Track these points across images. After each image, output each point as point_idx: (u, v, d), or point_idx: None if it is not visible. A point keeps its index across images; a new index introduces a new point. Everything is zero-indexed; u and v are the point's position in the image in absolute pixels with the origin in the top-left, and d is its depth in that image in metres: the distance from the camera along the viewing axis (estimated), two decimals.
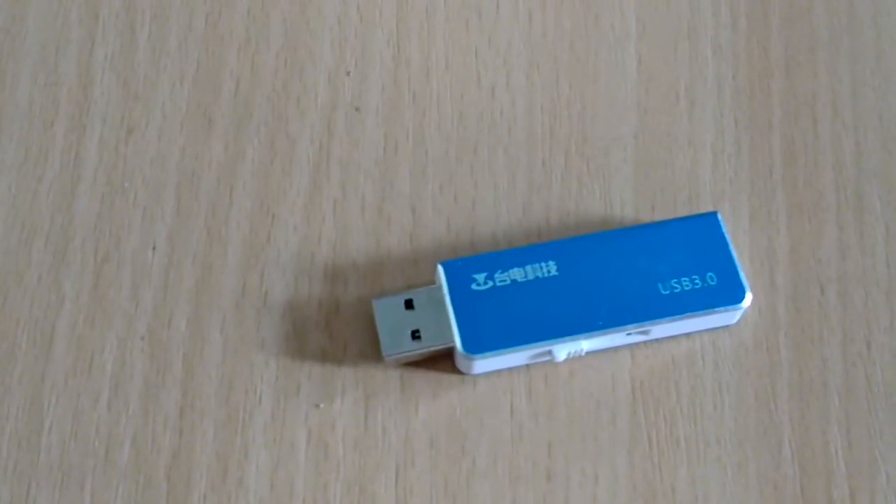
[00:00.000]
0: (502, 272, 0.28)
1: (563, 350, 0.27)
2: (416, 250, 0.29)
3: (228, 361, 0.28)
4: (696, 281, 0.28)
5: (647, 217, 0.30)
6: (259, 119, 0.31)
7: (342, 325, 0.28)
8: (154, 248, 0.29)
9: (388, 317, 0.28)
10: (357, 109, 0.31)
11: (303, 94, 0.31)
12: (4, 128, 0.30)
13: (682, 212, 0.30)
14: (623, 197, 0.30)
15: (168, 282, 0.29)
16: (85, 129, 0.30)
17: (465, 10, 0.32)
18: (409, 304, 0.28)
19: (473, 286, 0.28)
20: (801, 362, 0.28)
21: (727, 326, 0.29)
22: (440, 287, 0.28)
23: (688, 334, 0.28)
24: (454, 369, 0.28)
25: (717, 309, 0.28)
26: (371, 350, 0.28)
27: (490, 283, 0.28)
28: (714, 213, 0.28)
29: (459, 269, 0.28)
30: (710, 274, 0.28)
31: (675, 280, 0.28)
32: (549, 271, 0.28)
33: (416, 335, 0.28)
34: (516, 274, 0.28)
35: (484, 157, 0.31)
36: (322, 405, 0.28)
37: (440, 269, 0.28)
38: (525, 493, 0.27)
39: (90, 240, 0.29)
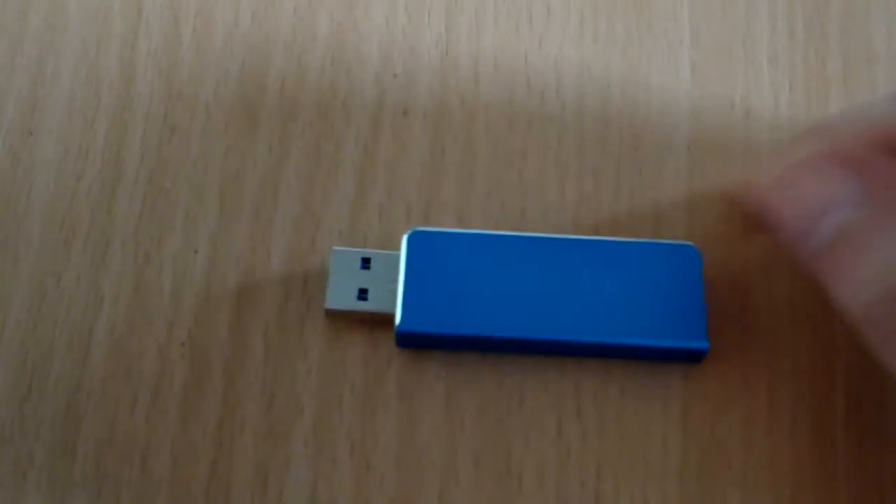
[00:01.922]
0: (464, 255, 0.27)
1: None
2: None
3: (270, 370, 0.27)
4: (660, 310, 0.27)
5: (699, 231, 0.29)
6: (304, 120, 0.30)
7: (387, 336, 0.27)
8: (196, 250, 0.28)
9: (342, 269, 0.27)
10: (404, 113, 0.30)
11: (349, 95, 0.30)
12: (44, 123, 0.29)
13: (737, 224, 0.29)
14: (676, 207, 0.29)
15: (210, 286, 0.28)
16: (127, 126, 0.30)
17: (516, 13, 0.31)
18: (365, 263, 0.27)
19: (431, 262, 0.27)
20: (857, 384, 0.27)
21: (689, 365, 0.28)
22: (400, 255, 0.27)
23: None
24: (500, 385, 0.27)
25: (675, 344, 0.27)
26: (417, 364, 0.27)
27: (449, 263, 0.27)
28: (691, 247, 0.28)
29: (424, 242, 0.27)
30: (675, 307, 0.27)
31: (637, 304, 0.27)
32: (513, 263, 0.27)
33: (362, 295, 0.27)
34: (477, 259, 0.27)
35: (533, 164, 0.30)
36: (364, 417, 0.27)
37: (405, 237, 0.27)
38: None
39: (130, 241, 0.28)
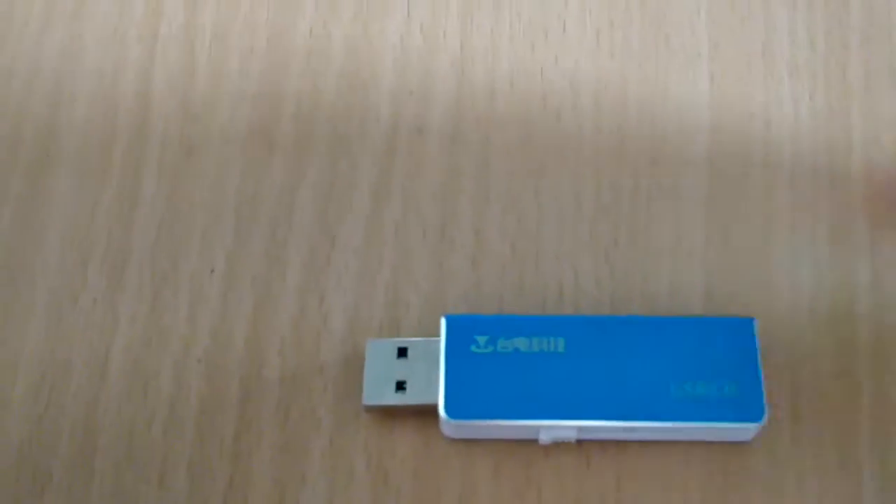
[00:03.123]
0: (506, 339, 0.26)
1: (550, 433, 0.26)
2: (480, 274, 0.28)
3: (287, 386, 0.27)
4: (712, 389, 0.26)
5: (719, 240, 0.29)
6: (320, 141, 0.30)
7: None
8: (213, 270, 0.28)
9: (378, 361, 0.26)
10: (419, 131, 0.30)
11: (364, 115, 0.30)
12: (62, 148, 0.30)
13: (757, 238, 0.29)
14: (695, 220, 0.29)
15: (226, 304, 0.28)
16: (143, 150, 0.30)
17: (531, 30, 0.32)
18: (402, 352, 0.27)
19: (473, 347, 0.26)
20: (881, 391, 0.27)
21: (741, 443, 0.26)
22: (439, 341, 0.26)
23: (701, 442, 0.26)
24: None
25: (727, 423, 0.25)
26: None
27: (491, 348, 0.26)
28: (750, 321, 0.26)
29: (463, 327, 0.26)
30: (729, 384, 0.26)
31: (689, 383, 0.26)
32: (555, 347, 0.26)
33: (401, 386, 0.26)
34: (521, 343, 0.26)
35: (549, 180, 0.30)
36: (382, 431, 0.27)
37: (443, 322, 0.26)
38: None
39: (147, 262, 0.28)
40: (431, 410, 0.26)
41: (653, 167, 0.30)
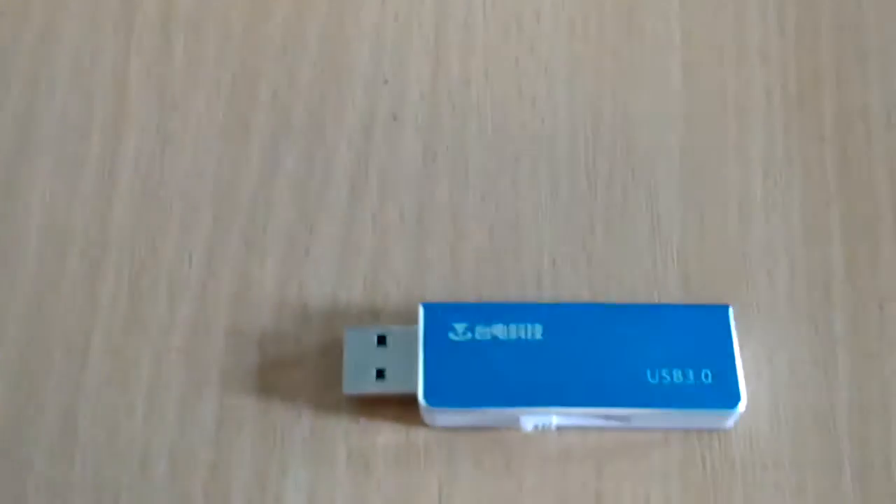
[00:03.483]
0: (484, 326, 0.26)
1: (530, 420, 0.26)
2: (458, 262, 0.29)
3: (267, 375, 0.27)
4: (689, 376, 0.26)
5: (695, 228, 0.29)
6: (296, 129, 0.30)
7: None
8: (191, 259, 0.28)
9: (357, 350, 0.27)
10: (395, 118, 0.30)
11: (340, 103, 0.30)
12: (39, 136, 0.30)
13: (733, 225, 0.29)
14: (670, 208, 0.29)
15: (205, 293, 0.28)
16: (120, 138, 0.30)
17: (506, 19, 0.32)
18: (381, 340, 0.27)
19: (451, 335, 0.26)
20: (860, 380, 0.27)
21: (720, 430, 0.27)
22: (417, 329, 0.26)
23: (679, 430, 0.27)
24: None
25: (704, 410, 0.26)
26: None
27: (469, 335, 0.26)
28: (725, 308, 0.27)
29: (441, 314, 0.26)
30: (705, 371, 0.26)
31: (665, 370, 0.26)
32: (533, 334, 0.26)
33: (380, 374, 0.26)
34: (498, 330, 0.26)
35: (526, 167, 0.30)
36: (362, 420, 0.27)
37: (421, 310, 0.27)
38: None
39: (126, 251, 0.28)
40: (412, 398, 0.26)
41: (628, 155, 0.30)
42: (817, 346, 0.28)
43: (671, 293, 0.28)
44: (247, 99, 0.30)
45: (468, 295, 0.28)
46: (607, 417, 0.26)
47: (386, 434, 0.27)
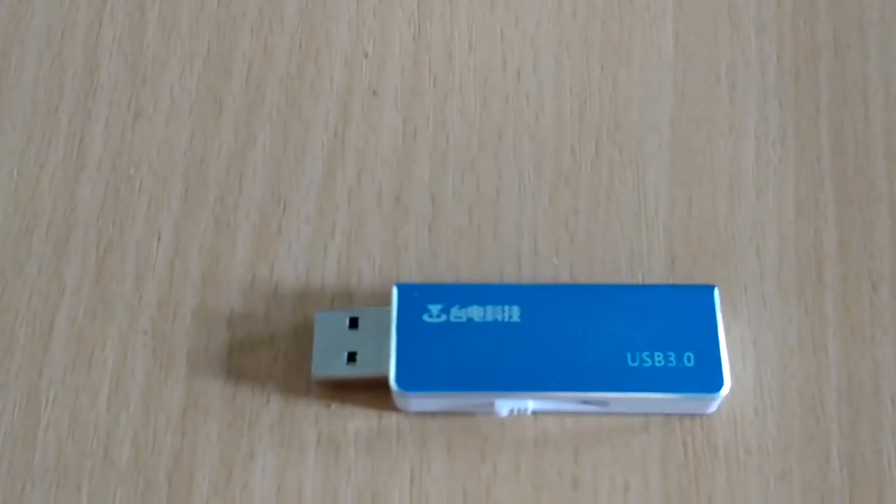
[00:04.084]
0: (460, 308, 0.25)
1: (505, 405, 0.25)
2: (436, 242, 0.28)
3: (235, 358, 0.26)
4: (671, 359, 0.25)
5: (683, 207, 0.28)
6: (271, 104, 0.29)
7: None
8: (159, 237, 0.28)
9: (328, 332, 0.26)
10: (374, 93, 0.29)
11: (317, 77, 0.29)
12: (8, 112, 0.29)
13: (722, 203, 0.28)
14: (658, 186, 0.28)
15: (173, 273, 0.27)
16: (90, 113, 0.29)
17: None
18: (353, 323, 0.26)
19: (425, 317, 0.25)
20: (850, 364, 0.26)
21: (703, 415, 0.26)
22: (390, 311, 0.25)
23: (661, 415, 0.26)
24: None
25: (686, 394, 0.25)
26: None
27: (443, 317, 0.25)
28: (711, 288, 0.26)
29: (415, 296, 0.25)
30: (688, 354, 0.25)
31: (646, 353, 0.25)
32: (510, 316, 0.25)
33: (352, 357, 0.26)
34: (474, 312, 0.25)
35: (509, 144, 0.29)
36: (333, 405, 0.26)
37: (394, 290, 0.26)
38: (549, 502, 0.25)
39: (93, 229, 0.28)
40: (384, 383, 0.25)
41: (616, 131, 0.29)
42: (807, 329, 0.27)
43: (656, 274, 0.27)
44: (221, 72, 0.29)
45: (446, 276, 0.27)
46: (585, 402, 0.25)
47: (357, 419, 0.26)
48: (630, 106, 0.29)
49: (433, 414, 0.26)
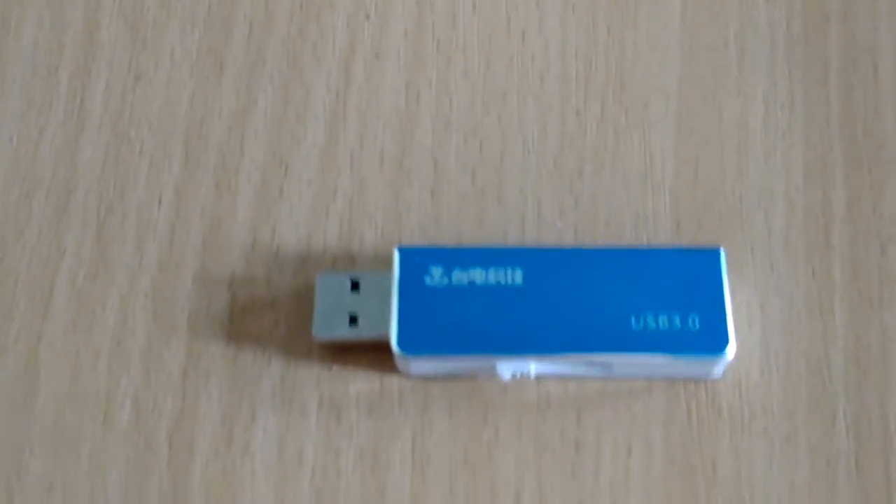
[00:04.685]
0: (462, 270, 0.25)
1: (508, 368, 0.25)
2: (438, 206, 0.27)
3: (236, 320, 0.26)
4: (675, 321, 0.24)
5: (689, 169, 0.28)
6: (273, 65, 0.29)
7: None
8: (160, 200, 0.27)
9: (330, 295, 0.25)
10: (377, 55, 0.29)
11: (319, 38, 0.29)
12: (7, 75, 0.29)
13: (730, 166, 0.28)
14: (664, 149, 0.28)
15: (174, 236, 0.27)
16: (90, 75, 0.29)
17: None
18: (354, 286, 0.26)
19: (427, 280, 0.25)
20: (858, 327, 0.26)
21: (707, 379, 0.25)
22: (391, 274, 0.25)
23: (664, 379, 0.25)
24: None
25: (690, 356, 0.24)
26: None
27: (445, 280, 0.25)
28: (717, 250, 0.25)
29: (416, 258, 0.25)
30: (693, 317, 0.25)
31: (650, 315, 0.25)
32: (513, 279, 0.25)
33: (353, 320, 0.25)
34: (476, 275, 0.25)
35: (513, 107, 0.28)
36: (335, 368, 0.26)
37: (396, 253, 0.25)
38: (551, 465, 0.25)
39: (93, 192, 0.27)
40: (386, 346, 0.25)
41: (622, 93, 0.29)
42: (814, 292, 0.26)
43: (662, 238, 0.27)
44: (222, 34, 0.29)
45: (448, 240, 0.27)
46: (588, 365, 0.25)
47: (359, 382, 0.26)
48: (637, 68, 0.29)
49: (435, 377, 0.26)
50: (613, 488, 0.25)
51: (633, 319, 0.25)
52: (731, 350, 0.24)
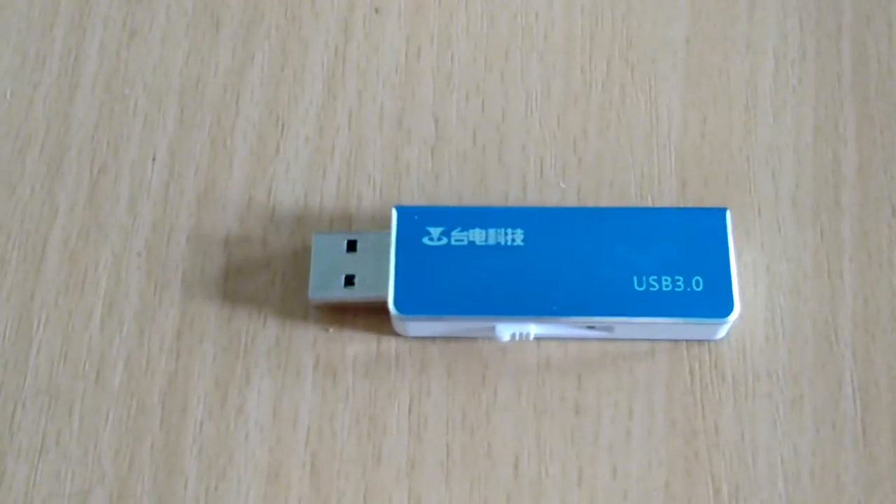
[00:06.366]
0: (461, 230, 0.24)
1: (507, 329, 0.24)
2: (438, 165, 0.27)
3: (231, 280, 0.26)
4: (679, 283, 0.24)
5: (696, 128, 0.27)
6: (270, 21, 0.28)
7: None
8: (154, 158, 0.27)
9: (326, 255, 0.25)
10: (377, 10, 0.28)
11: None
12: (1, 31, 0.28)
13: (738, 124, 0.27)
14: (671, 107, 0.27)
15: (168, 195, 0.27)
16: (85, 31, 0.28)
17: None
18: (351, 246, 0.25)
19: (425, 240, 0.24)
20: (866, 290, 0.25)
21: (710, 341, 0.25)
22: (389, 234, 0.25)
23: (668, 341, 0.25)
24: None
25: (694, 319, 0.24)
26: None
27: (444, 240, 0.24)
28: (723, 211, 0.25)
29: (415, 218, 0.25)
30: (696, 278, 0.24)
31: (654, 277, 0.24)
32: (513, 239, 0.24)
33: (350, 281, 0.25)
34: (476, 235, 0.24)
35: (516, 64, 0.28)
36: (331, 329, 0.25)
37: (394, 213, 0.25)
38: (551, 428, 0.24)
39: (87, 150, 0.27)
40: (383, 307, 0.24)
41: (628, 50, 0.28)
42: (822, 253, 0.26)
43: (666, 199, 0.26)
44: None
45: (448, 200, 0.26)
46: (589, 327, 0.24)
47: (356, 343, 0.25)
48: (643, 24, 0.28)
49: (433, 338, 0.25)
50: (613, 451, 0.24)
51: (635, 280, 0.24)
52: (735, 312, 0.24)
